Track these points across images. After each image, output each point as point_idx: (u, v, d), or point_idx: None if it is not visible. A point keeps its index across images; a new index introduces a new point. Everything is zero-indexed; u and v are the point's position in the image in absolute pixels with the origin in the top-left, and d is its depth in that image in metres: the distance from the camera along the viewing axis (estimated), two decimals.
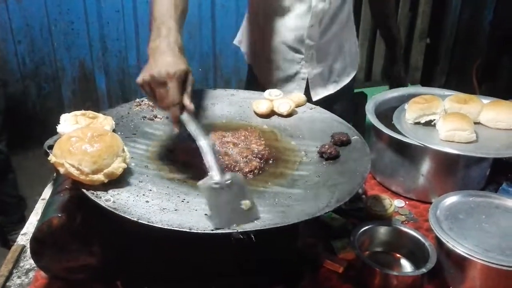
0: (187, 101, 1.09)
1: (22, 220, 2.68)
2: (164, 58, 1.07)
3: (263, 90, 1.47)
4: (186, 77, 1.09)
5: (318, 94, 1.84)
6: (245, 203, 0.93)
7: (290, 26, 1.69)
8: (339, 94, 1.88)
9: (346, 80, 1.90)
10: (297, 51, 1.74)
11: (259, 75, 1.87)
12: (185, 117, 1.09)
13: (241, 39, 1.92)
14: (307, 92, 1.79)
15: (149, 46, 1.12)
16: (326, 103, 1.70)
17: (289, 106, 1.35)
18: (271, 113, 1.37)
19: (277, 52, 1.76)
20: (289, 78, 1.80)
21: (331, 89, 1.86)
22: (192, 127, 1.08)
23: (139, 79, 1.09)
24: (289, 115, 1.36)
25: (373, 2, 1.95)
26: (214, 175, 0.98)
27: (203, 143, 1.04)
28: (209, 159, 1.01)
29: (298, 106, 1.39)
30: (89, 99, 3.34)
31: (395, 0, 3.46)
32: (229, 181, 0.97)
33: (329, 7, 1.65)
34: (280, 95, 1.42)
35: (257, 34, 1.81)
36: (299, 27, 1.68)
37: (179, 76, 1.07)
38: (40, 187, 1.56)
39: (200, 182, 0.96)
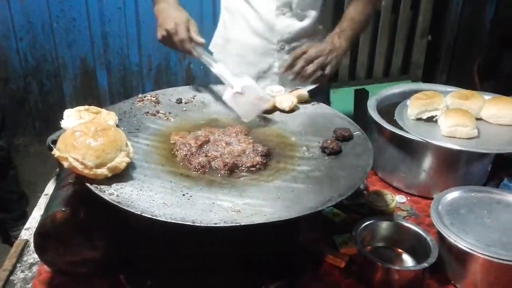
0: (194, 35, 1.38)
1: (24, 217, 2.69)
2: (170, 14, 1.40)
3: None
4: (189, 22, 1.39)
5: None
6: (257, 98, 1.34)
7: (257, 14, 1.62)
8: (314, 92, 1.65)
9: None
10: (269, 41, 1.66)
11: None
12: (200, 50, 1.40)
13: (214, 43, 1.83)
14: None
15: (155, 8, 1.47)
16: None
17: (291, 102, 1.36)
18: (273, 109, 1.38)
19: (247, 44, 1.68)
20: (261, 74, 1.72)
21: (308, 87, 1.64)
22: (205, 58, 1.41)
23: (159, 36, 1.41)
24: (291, 110, 1.36)
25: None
26: (234, 86, 1.34)
27: (216, 65, 1.40)
28: (225, 77, 1.38)
29: (300, 102, 1.39)
30: (91, 96, 3.34)
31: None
32: (244, 86, 1.33)
33: None
34: (281, 91, 1.42)
35: (226, 27, 1.74)
36: (267, 12, 1.61)
37: (183, 22, 1.37)
38: (41, 184, 1.57)
39: (225, 97, 1.34)
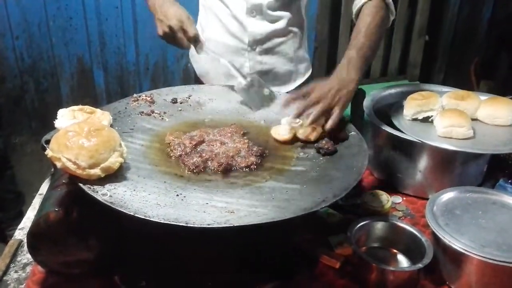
0: (198, 33, 1.41)
1: (20, 216, 2.67)
2: (169, 10, 1.39)
3: None
4: (189, 19, 1.40)
5: None
6: (265, 91, 1.43)
7: (230, 11, 1.60)
8: None
9: (290, 87, 1.74)
10: (240, 40, 1.63)
11: (198, 72, 1.77)
12: (201, 46, 1.44)
13: None
14: None
15: (150, 3, 1.46)
16: None
17: (316, 132, 1.23)
18: (294, 139, 1.24)
19: (220, 41, 1.65)
20: (233, 72, 1.53)
21: (283, 89, 1.68)
22: (210, 53, 1.45)
23: (160, 32, 1.42)
24: (317, 140, 1.22)
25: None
26: (241, 80, 1.42)
27: (223, 60, 1.45)
28: (232, 71, 1.44)
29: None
30: (88, 95, 3.33)
31: None
32: (251, 80, 1.42)
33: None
34: (299, 122, 1.25)
35: (201, 24, 1.72)
36: (239, 11, 1.59)
37: (187, 19, 1.39)
38: (38, 183, 1.56)
39: (236, 88, 1.44)
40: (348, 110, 2.81)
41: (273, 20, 1.60)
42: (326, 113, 1.23)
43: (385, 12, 1.41)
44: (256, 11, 1.57)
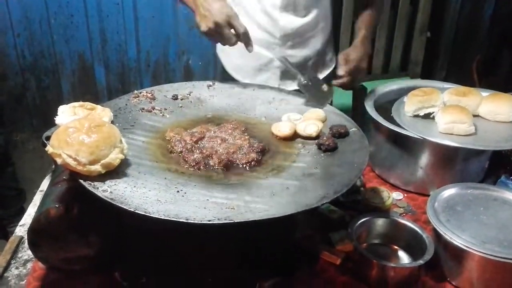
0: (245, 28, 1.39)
1: (21, 213, 2.66)
2: (215, 6, 1.35)
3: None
4: (236, 15, 1.38)
5: (287, 86, 1.70)
6: (324, 87, 1.45)
7: (262, 7, 1.64)
8: (329, 78, 1.77)
9: (325, 73, 1.83)
10: (271, 35, 1.67)
11: (229, 67, 1.80)
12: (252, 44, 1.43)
13: None
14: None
15: None
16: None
17: (317, 127, 1.24)
18: (295, 135, 1.25)
19: (251, 36, 1.62)
20: (263, 67, 1.73)
21: (325, 72, 1.81)
22: (257, 48, 1.48)
23: (204, 28, 1.36)
24: (318, 136, 1.24)
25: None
26: (299, 77, 1.44)
27: (277, 57, 1.55)
28: (290, 68, 1.50)
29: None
30: (89, 92, 3.33)
31: None
32: (308, 77, 1.44)
33: None
34: (300, 118, 1.30)
35: None
36: (271, 7, 1.63)
37: (233, 14, 1.36)
38: (39, 180, 1.57)
39: (298, 85, 1.45)
40: (350, 106, 2.82)
41: (304, 15, 1.66)
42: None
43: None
44: (289, 6, 1.62)
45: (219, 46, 1.80)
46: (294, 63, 1.66)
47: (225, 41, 1.39)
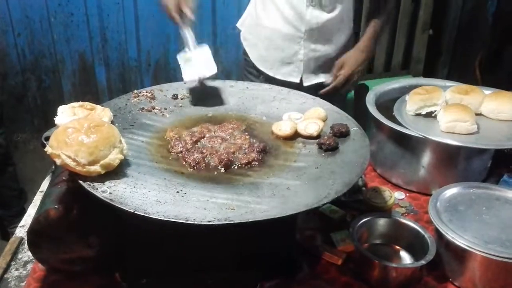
0: (185, 7, 1.46)
1: (23, 213, 2.66)
2: None
3: (258, 76, 1.75)
4: None
5: (310, 80, 1.86)
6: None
7: (289, 1, 1.72)
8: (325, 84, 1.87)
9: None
10: (297, 29, 1.76)
11: (255, 58, 1.88)
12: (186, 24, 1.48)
13: (243, 21, 1.95)
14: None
15: None
16: (314, 89, 1.77)
17: (318, 126, 1.22)
18: (295, 135, 1.23)
19: (277, 30, 1.79)
20: (287, 59, 1.81)
21: (321, 78, 1.86)
22: (184, 30, 1.49)
23: (160, 3, 1.51)
24: (318, 135, 1.22)
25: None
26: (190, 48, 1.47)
27: (186, 32, 1.48)
28: (187, 41, 1.49)
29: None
30: (89, 92, 3.33)
31: None
32: (196, 50, 1.47)
33: None
34: (300, 118, 1.29)
35: (258, 13, 1.83)
36: (298, 1, 1.71)
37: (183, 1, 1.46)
38: (41, 181, 1.57)
39: (178, 56, 1.49)
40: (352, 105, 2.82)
41: (329, 10, 1.74)
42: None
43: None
44: (316, 1, 1.70)
45: (243, 34, 1.94)
46: (317, 57, 1.81)
47: (172, 20, 1.49)
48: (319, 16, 1.73)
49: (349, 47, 1.86)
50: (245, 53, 1.95)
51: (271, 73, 1.85)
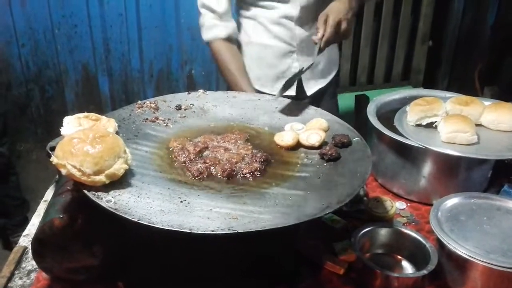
0: None
1: (25, 223, 2.68)
2: None
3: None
4: None
5: (311, 88, 1.88)
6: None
7: (278, 20, 1.73)
8: (326, 90, 1.94)
9: (332, 74, 1.95)
10: (288, 44, 1.77)
11: (249, 75, 1.83)
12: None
13: None
14: (299, 88, 1.84)
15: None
16: (315, 98, 1.87)
17: (320, 137, 1.23)
18: (297, 145, 1.25)
19: (268, 47, 1.78)
20: (281, 74, 1.82)
21: (321, 83, 1.89)
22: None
23: None
24: (320, 146, 1.23)
25: None
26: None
27: None
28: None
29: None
30: (92, 102, 3.35)
31: (397, 3, 3.46)
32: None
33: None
34: (302, 128, 1.30)
35: (248, 33, 1.82)
36: (287, 19, 1.72)
37: None
38: (43, 190, 1.57)
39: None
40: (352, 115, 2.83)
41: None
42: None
43: None
44: (304, 15, 1.71)
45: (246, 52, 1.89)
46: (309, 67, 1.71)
47: None
48: (309, 30, 1.75)
49: (335, 52, 1.94)
50: None
51: (266, 91, 1.80)
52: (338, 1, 1.56)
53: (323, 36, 1.48)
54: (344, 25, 1.50)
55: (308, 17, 1.72)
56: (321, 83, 1.91)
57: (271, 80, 1.83)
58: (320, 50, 1.50)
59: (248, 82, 1.69)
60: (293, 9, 1.71)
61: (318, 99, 1.90)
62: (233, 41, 1.76)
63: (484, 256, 1.06)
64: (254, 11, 1.76)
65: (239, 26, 1.84)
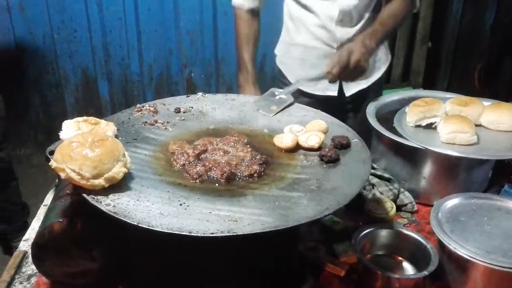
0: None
1: (25, 228, 2.66)
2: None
3: (297, 97, 1.58)
4: None
5: (351, 89, 1.88)
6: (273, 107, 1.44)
7: (319, 22, 1.76)
8: (369, 90, 1.91)
9: (376, 76, 1.92)
10: (329, 46, 1.80)
11: (290, 76, 1.92)
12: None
13: (278, 46, 2.00)
14: (339, 88, 1.87)
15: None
16: (358, 98, 1.87)
17: (319, 138, 1.23)
18: (297, 147, 1.24)
19: (310, 48, 1.83)
20: (323, 75, 1.73)
21: (362, 84, 1.88)
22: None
23: None
24: (320, 147, 1.23)
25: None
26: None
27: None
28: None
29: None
30: (92, 107, 3.36)
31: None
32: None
33: (358, 3, 1.71)
34: (301, 130, 1.30)
35: (291, 35, 1.88)
36: (328, 21, 1.74)
37: None
38: (43, 195, 1.57)
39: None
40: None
41: (356, 23, 1.77)
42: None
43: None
44: (344, 18, 1.74)
45: (278, 58, 1.99)
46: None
47: None
48: (349, 32, 1.76)
49: (384, 47, 1.91)
50: (282, 76, 1.97)
51: (309, 90, 1.85)
52: (357, 41, 1.57)
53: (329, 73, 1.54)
54: (354, 65, 1.52)
55: (347, 19, 1.74)
56: (363, 84, 1.88)
57: (313, 80, 1.81)
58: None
59: (250, 57, 1.83)
60: (333, 11, 1.73)
61: (360, 100, 1.87)
62: (256, 13, 1.87)
63: (485, 256, 1.05)
64: (298, 11, 1.81)
65: (285, 28, 1.92)
